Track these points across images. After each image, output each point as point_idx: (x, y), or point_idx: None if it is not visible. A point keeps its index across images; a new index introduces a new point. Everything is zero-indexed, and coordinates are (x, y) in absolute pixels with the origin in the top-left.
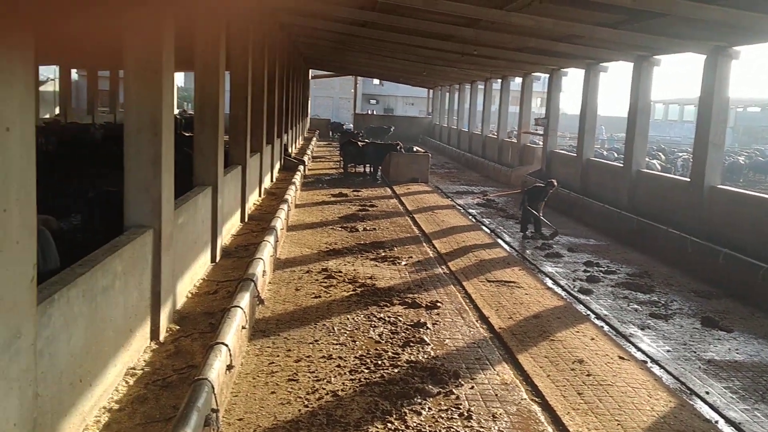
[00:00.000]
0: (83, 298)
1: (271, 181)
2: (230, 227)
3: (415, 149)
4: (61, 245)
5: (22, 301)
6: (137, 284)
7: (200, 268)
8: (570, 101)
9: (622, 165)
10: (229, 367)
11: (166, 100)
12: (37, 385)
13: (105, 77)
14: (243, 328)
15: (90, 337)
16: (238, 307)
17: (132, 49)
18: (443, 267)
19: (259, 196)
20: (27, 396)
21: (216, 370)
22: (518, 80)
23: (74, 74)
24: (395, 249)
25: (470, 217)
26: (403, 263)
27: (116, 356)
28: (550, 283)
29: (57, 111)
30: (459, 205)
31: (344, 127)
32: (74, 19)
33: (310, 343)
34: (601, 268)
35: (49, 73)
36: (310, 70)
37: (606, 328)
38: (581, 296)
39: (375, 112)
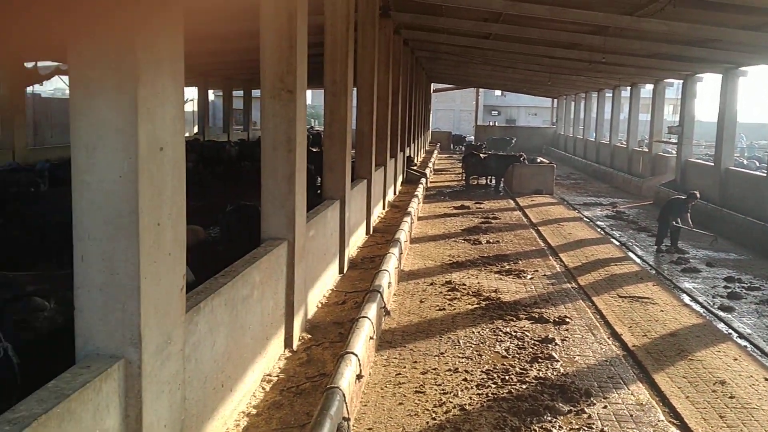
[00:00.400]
0: (225, 307)
1: (395, 194)
2: (356, 239)
3: (539, 160)
4: (205, 255)
5: (173, 310)
6: (273, 294)
7: (329, 279)
8: (705, 108)
9: (765, 174)
10: (359, 377)
11: (299, 118)
12: (185, 388)
13: (239, 97)
14: (371, 338)
15: (231, 344)
16: (366, 317)
17: (268, 70)
18: (571, 281)
19: (383, 208)
20: (176, 399)
21: (347, 379)
22: (649, 87)
23: (211, 94)
24: (520, 262)
25: (599, 229)
26: (529, 277)
27: (254, 363)
28: (687, 299)
29: (195, 129)
30: (586, 217)
31: (466, 139)
32: (212, 43)
33: (436, 355)
34: (743, 284)
35: (189, 94)
36: (432, 84)
37: (750, 347)
38: (722, 314)
39: (497, 124)
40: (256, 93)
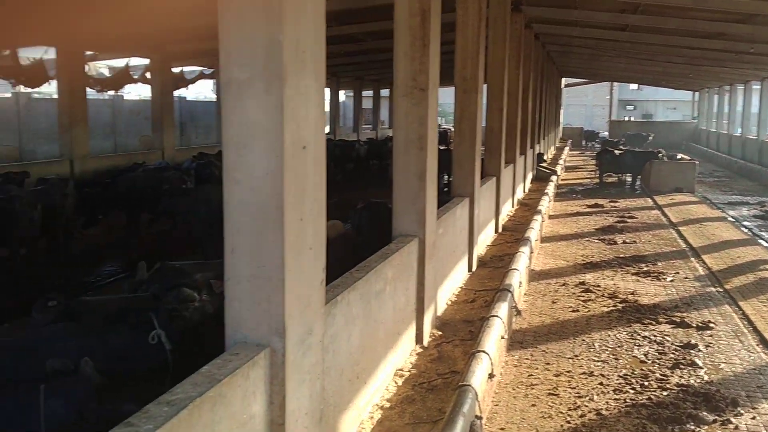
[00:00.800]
0: (360, 301)
1: (524, 191)
2: (485, 237)
3: (678, 156)
4: (345, 248)
5: (314, 302)
6: (404, 290)
7: (458, 276)
8: None
9: None
10: (491, 376)
11: (431, 116)
12: (324, 378)
13: (368, 97)
14: (502, 338)
15: (365, 338)
16: (497, 316)
17: (401, 69)
18: (715, 285)
19: (512, 206)
20: (316, 388)
21: (478, 377)
22: None
23: (342, 95)
24: (659, 263)
25: (745, 230)
26: (669, 279)
27: (386, 357)
28: None
29: (327, 129)
30: (731, 216)
31: (599, 135)
32: (345, 44)
33: (570, 358)
34: None
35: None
36: (563, 79)
37: None
38: None
39: (632, 119)
40: (384, 93)
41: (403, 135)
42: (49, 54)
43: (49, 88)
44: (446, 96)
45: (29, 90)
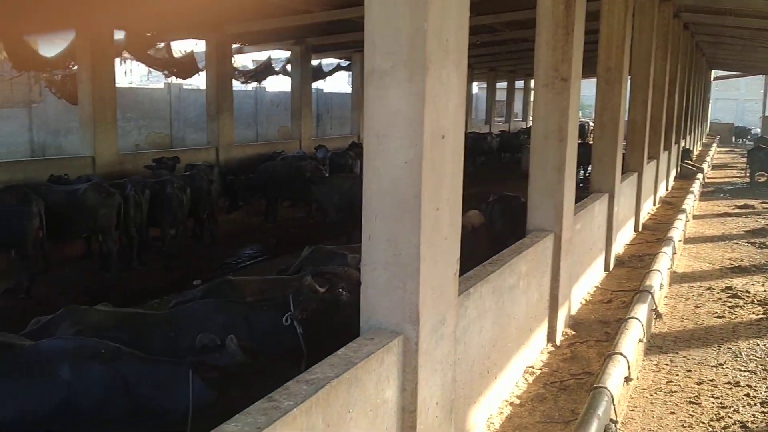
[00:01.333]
0: (492, 294)
1: (667, 189)
2: (624, 236)
3: None
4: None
5: (447, 292)
6: (537, 285)
7: (594, 275)
8: None
9: None
10: (627, 380)
11: (572, 107)
12: (455, 369)
13: (502, 88)
14: (640, 341)
15: (496, 332)
16: (635, 318)
17: (543, 58)
18: None
19: (654, 204)
20: (447, 378)
21: (614, 380)
22: None
23: (474, 87)
24: None
25: None
26: None
27: (517, 353)
28: None
29: None
30: None
31: (751, 131)
32: (480, 35)
33: (713, 366)
34: None
35: None
36: (712, 71)
37: None
38: None
39: None
40: (519, 84)
41: (542, 126)
42: (200, 47)
43: (198, 80)
44: (584, 88)
45: (180, 81)
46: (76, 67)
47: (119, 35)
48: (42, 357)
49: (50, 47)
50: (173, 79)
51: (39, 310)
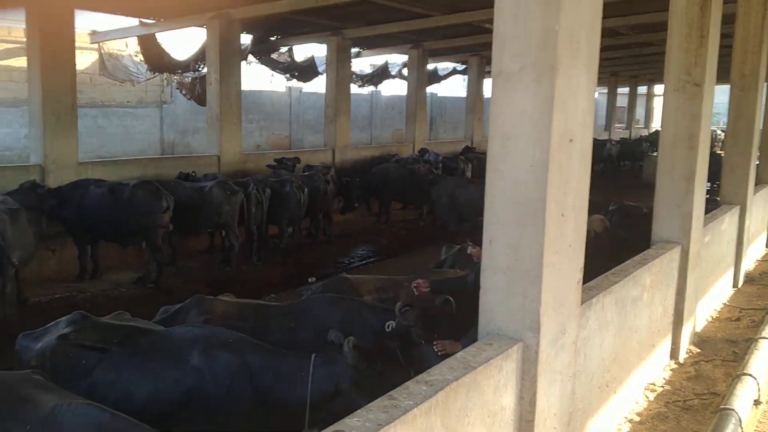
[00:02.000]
0: (615, 306)
1: None
2: (755, 251)
3: None
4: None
5: (569, 301)
6: (662, 299)
7: (721, 291)
8: None
9: None
10: (756, 402)
11: (705, 113)
12: (574, 381)
13: (623, 94)
14: None
15: (617, 345)
16: (767, 338)
17: (673, 62)
18: None
19: None
20: (566, 390)
21: (743, 402)
22: None
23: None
24: None
25: None
26: None
27: (638, 368)
28: None
29: None
30: None
31: None
32: (603, 39)
33: None
34: None
35: None
36: None
37: None
38: None
39: None
40: (641, 90)
41: (671, 132)
42: (319, 52)
43: (317, 84)
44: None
45: (300, 85)
46: (204, 70)
47: (245, 39)
48: (174, 343)
49: (181, 50)
50: (294, 83)
51: (166, 300)
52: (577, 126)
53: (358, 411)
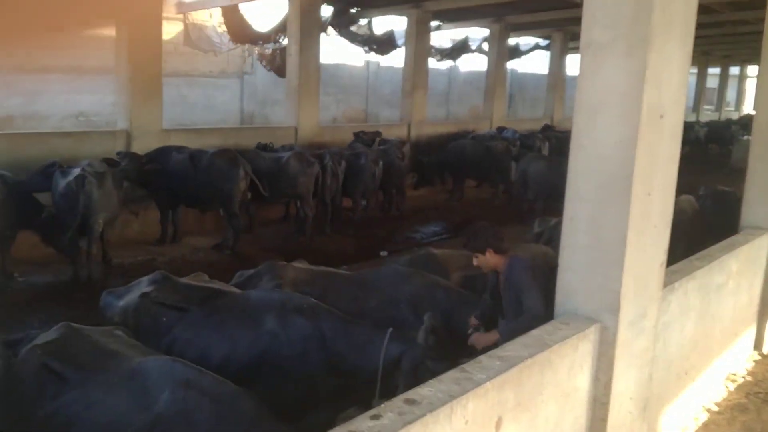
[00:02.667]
0: (698, 292)
1: None
2: None
3: None
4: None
5: (651, 284)
6: (748, 287)
7: None
8: None
9: None
10: None
11: None
12: (651, 366)
13: (714, 75)
14: None
15: (699, 332)
16: None
17: None
18: None
19: None
20: (644, 375)
21: None
22: None
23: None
24: None
25: None
26: None
27: (719, 357)
28: None
29: None
30: None
31: None
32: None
33: None
34: None
35: None
36: None
37: None
38: None
39: None
40: (734, 71)
41: (765, 115)
42: (398, 25)
43: (394, 58)
44: None
45: (378, 58)
46: (285, 42)
47: (326, 11)
48: (251, 306)
49: (263, 21)
50: (372, 56)
51: (241, 265)
52: (668, 102)
53: (430, 381)
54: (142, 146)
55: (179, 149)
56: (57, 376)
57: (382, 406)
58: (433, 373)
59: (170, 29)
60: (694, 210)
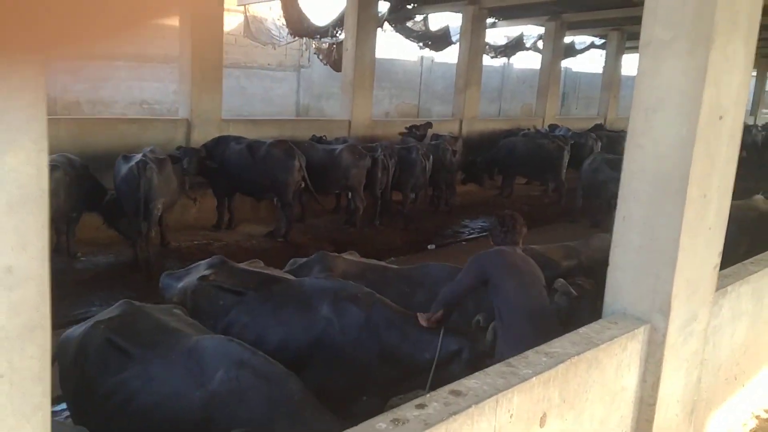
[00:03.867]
0: (751, 296)
1: None
2: None
3: None
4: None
5: (703, 287)
6: None
7: None
8: None
9: None
10: None
11: None
12: (700, 370)
13: None
14: None
15: (750, 337)
16: None
17: None
18: None
19: None
20: (692, 378)
21: None
22: None
23: None
24: None
25: None
26: None
27: None
28: None
29: None
30: None
31: None
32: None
33: None
34: None
35: None
36: None
37: None
38: None
39: None
40: None
41: None
42: (453, 22)
43: (449, 54)
44: None
45: (432, 54)
46: (342, 36)
47: (383, 7)
48: (306, 293)
49: (321, 16)
50: (426, 52)
51: (294, 253)
52: (729, 103)
53: (476, 373)
54: (201, 135)
55: (237, 139)
56: (120, 351)
57: (428, 396)
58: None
59: (231, 21)
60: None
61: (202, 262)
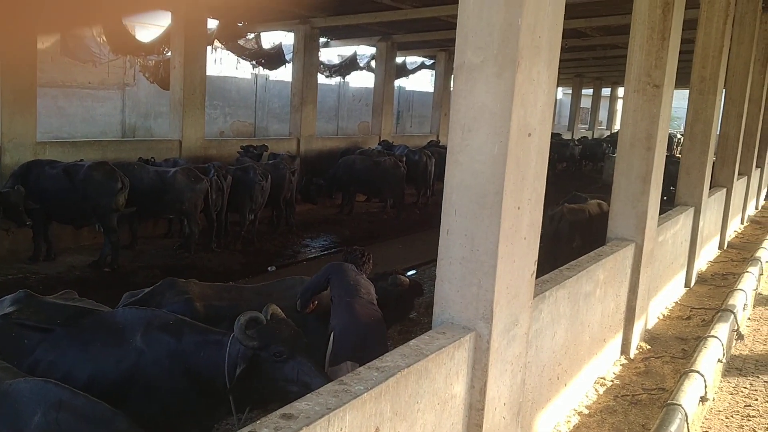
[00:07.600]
0: (568, 300)
1: (756, 208)
2: (707, 253)
3: None
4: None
5: (522, 293)
6: (614, 295)
7: (673, 290)
8: None
9: None
10: (703, 399)
11: (663, 115)
12: (525, 372)
13: (587, 95)
14: (719, 360)
15: (569, 338)
16: (715, 337)
17: (635, 63)
18: None
19: (742, 223)
20: (516, 380)
21: (690, 398)
22: None
23: (559, 92)
24: None
25: None
26: None
27: (589, 362)
28: None
29: None
30: None
31: None
32: (568, 40)
33: None
34: None
35: None
36: None
37: None
38: None
39: None
40: (605, 92)
41: (630, 133)
42: (287, 40)
43: (284, 72)
44: (674, 99)
45: (267, 72)
46: (169, 53)
47: (212, 24)
48: (117, 324)
49: (146, 32)
50: (260, 70)
51: (122, 282)
52: (536, 121)
53: (308, 395)
54: (14, 159)
55: (51, 163)
56: None
57: (258, 422)
58: None
59: (46, 37)
60: (598, 213)
61: (6, 297)
